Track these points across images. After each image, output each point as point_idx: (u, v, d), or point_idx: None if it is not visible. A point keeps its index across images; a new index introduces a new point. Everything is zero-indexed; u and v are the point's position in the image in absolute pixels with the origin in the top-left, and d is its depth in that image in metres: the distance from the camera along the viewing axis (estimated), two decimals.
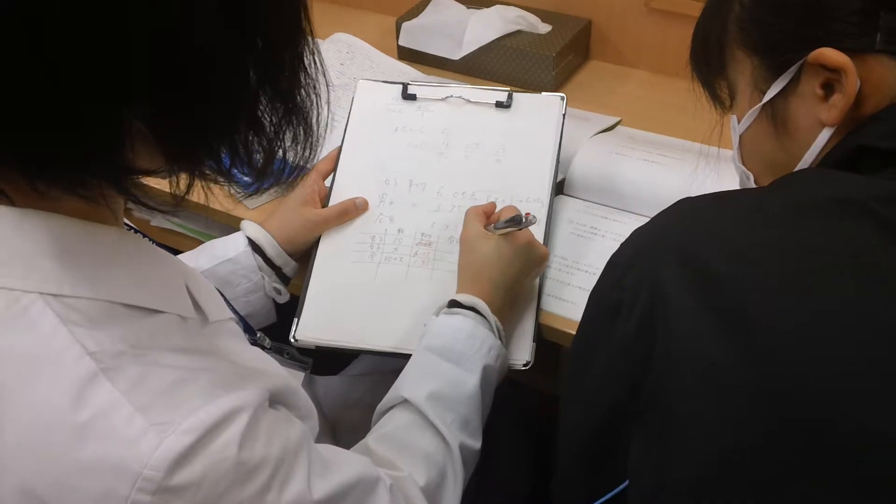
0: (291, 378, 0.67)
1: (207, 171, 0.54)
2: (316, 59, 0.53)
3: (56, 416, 0.49)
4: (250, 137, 0.52)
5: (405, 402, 0.79)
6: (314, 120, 0.55)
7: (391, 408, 0.81)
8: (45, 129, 0.46)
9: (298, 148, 0.55)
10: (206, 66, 0.47)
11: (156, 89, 0.47)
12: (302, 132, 0.55)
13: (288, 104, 0.53)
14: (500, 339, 0.86)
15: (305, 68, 0.53)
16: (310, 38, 0.52)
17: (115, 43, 0.44)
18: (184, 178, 0.54)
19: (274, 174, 0.56)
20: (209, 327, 0.61)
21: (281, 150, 0.54)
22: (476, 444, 0.81)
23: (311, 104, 0.54)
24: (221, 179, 0.54)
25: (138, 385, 0.50)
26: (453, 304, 0.87)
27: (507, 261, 0.88)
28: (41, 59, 0.43)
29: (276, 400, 0.59)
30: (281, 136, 0.54)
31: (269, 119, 0.53)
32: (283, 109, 0.53)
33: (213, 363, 0.55)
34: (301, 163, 0.56)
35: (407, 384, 0.81)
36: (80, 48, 0.44)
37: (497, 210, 0.95)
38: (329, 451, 0.64)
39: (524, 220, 0.88)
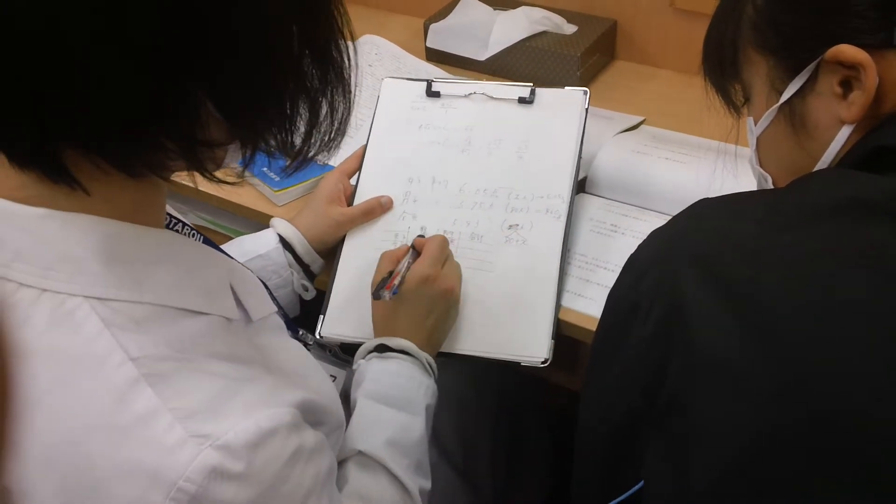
0: (328, 382, 0.68)
1: (267, 142, 0.55)
2: (345, 21, 0.54)
3: (96, 418, 0.50)
4: (299, 103, 0.54)
5: (360, 454, 0.78)
6: (352, 82, 0.56)
7: (345, 461, 0.78)
8: (125, 107, 0.47)
9: (338, 112, 0.56)
10: (259, 39, 0.49)
11: (219, 63, 0.48)
12: (341, 93, 0.55)
13: (327, 66, 0.54)
14: (432, 374, 0.87)
15: (340, 30, 0.54)
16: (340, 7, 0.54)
17: (185, 22, 0.46)
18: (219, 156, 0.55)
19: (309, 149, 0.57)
20: (252, 326, 0.62)
21: (324, 112, 0.55)
22: (428, 483, 0.82)
23: (347, 65, 0.55)
24: (277, 151, 0.56)
25: (180, 393, 0.51)
26: (381, 347, 0.87)
27: (411, 301, 0.88)
28: (122, 41, 0.45)
29: (308, 413, 0.59)
30: (324, 97, 0.55)
31: (313, 82, 0.54)
32: (323, 72, 0.54)
33: (254, 373, 0.56)
34: (340, 127, 0.57)
35: (359, 436, 0.79)
36: (156, 29, 0.45)
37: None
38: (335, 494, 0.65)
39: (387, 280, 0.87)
